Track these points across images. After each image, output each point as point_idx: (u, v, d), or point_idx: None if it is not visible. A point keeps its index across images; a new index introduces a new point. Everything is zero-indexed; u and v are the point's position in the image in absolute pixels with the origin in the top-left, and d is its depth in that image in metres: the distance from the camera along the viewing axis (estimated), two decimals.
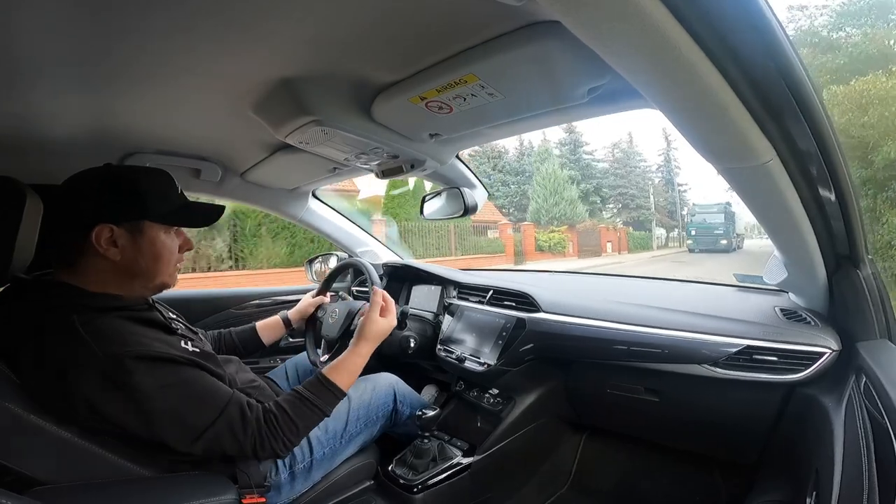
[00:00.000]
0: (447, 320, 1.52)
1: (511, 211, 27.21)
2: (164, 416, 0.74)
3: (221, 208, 0.95)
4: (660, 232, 31.42)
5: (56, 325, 0.73)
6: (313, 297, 1.48)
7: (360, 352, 1.04)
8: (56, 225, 0.80)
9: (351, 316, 1.41)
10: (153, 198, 0.85)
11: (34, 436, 0.71)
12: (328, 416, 0.93)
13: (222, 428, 0.79)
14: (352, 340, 1.07)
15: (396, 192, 11.32)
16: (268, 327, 1.38)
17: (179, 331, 0.88)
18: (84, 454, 0.73)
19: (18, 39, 0.70)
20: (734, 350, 0.97)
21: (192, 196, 1.21)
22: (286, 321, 1.41)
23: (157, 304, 0.94)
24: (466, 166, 1.50)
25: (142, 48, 0.75)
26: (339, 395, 0.95)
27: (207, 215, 0.93)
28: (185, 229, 0.94)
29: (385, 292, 1.17)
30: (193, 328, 1.05)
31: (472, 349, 1.37)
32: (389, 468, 1.25)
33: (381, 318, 1.10)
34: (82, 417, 0.72)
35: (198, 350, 0.85)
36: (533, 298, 1.33)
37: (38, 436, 0.71)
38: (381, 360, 1.59)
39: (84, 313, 0.74)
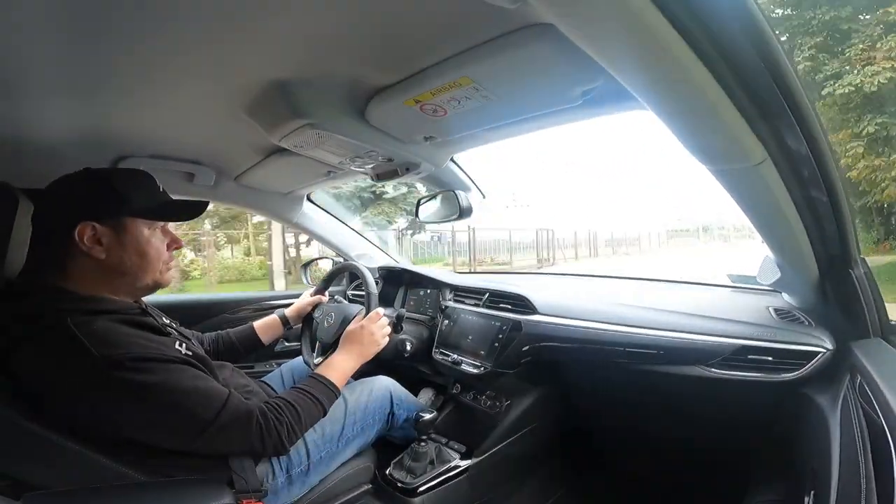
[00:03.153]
0: (443, 323, 1.52)
1: None
2: (165, 413, 0.74)
3: (205, 204, 0.96)
4: None
5: (50, 327, 0.72)
6: (311, 296, 1.48)
7: (350, 350, 1.09)
8: (42, 229, 0.80)
9: (346, 322, 1.40)
10: (133, 194, 0.85)
11: (29, 440, 0.70)
12: (326, 411, 0.95)
13: (227, 421, 0.78)
14: (341, 341, 1.10)
15: None
16: (265, 326, 1.38)
17: (173, 335, 0.88)
18: (79, 459, 0.72)
19: (10, 43, 0.70)
20: (729, 350, 0.97)
21: None
22: (283, 319, 1.41)
23: (149, 310, 0.94)
24: (461, 169, 1.50)
25: (134, 52, 0.75)
26: (335, 391, 0.98)
27: (190, 210, 0.94)
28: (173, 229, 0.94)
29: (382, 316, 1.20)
30: (186, 333, 1.04)
31: (468, 352, 1.37)
32: (387, 471, 1.25)
33: (376, 334, 1.15)
34: (78, 421, 0.72)
35: (191, 353, 0.85)
36: (529, 301, 1.33)
37: (33, 440, 0.70)
38: (378, 364, 1.59)
39: (77, 316, 0.73)
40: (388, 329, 1.20)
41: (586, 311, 1.23)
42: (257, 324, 1.37)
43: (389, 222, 12.19)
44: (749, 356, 0.95)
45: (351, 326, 1.14)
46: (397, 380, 1.39)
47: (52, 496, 0.69)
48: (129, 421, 0.73)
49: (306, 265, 2.05)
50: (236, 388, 1.02)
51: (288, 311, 1.43)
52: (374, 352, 1.14)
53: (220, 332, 1.32)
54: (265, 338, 1.36)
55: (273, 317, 1.40)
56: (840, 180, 0.70)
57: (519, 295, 1.36)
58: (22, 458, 0.70)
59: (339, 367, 1.05)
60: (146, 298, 0.95)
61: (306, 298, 1.47)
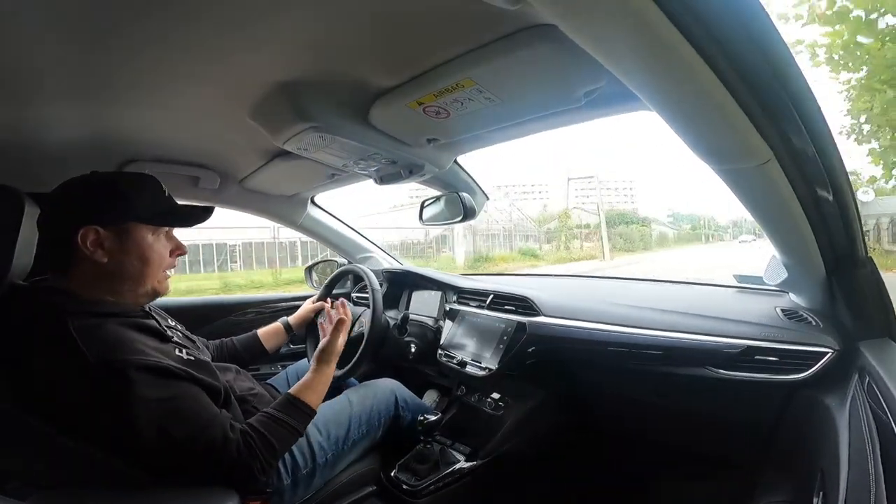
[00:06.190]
0: (448, 325, 1.52)
1: None
2: (145, 426, 0.72)
3: (210, 209, 0.95)
4: None
5: (50, 329, 0.72)
6: (314, 303, 1.48)
7: (325, 371, 1.05)
8: (45, 231, 0.81)
9: (351, 324, 1.40)
10: (138, 199, 0.85)
11: (32, 441, 0.70)
12: (302, 435, 0.93)
13: (201, 447, 0.76)
14: (313, 360, 1.07)
15: None
16: (269, 334, 1.38)
17: (175, 339, 0.88)
18: (83, 460, 0.72)
19: (16, 48, 0.70)
20: (735, 351, 0.97)
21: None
22: (287, 327, 1.41)
23: (153, 312, 0.94)
24: (465, 171, 1.51)
25: (140, 56, 0.75)
26: (310, 413, 0.95)
27: (195, 216, 0.93)
28: (177, 235, 0.94)
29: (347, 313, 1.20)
30: (191, 337, 1.05)
31: (473, 354, 1.37)
32: (392, 473, 1.25)
33: (341, 340, 1.13)
34: (78, 422, 0.72)
35: (192, 359, 0.85)
36: (533, 302, 1.33)
37: (36, 441, 0.70)
38: (383, 366, 1.59)
39: (79, 318, 0.73)
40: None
41: (591, 313, 1.22)
42: (261, 331, 1.37)
43: None
44: (756, 357, 0.95)
45: (322, 343, 1.10)
46: (402, 382, 1.39)
47: (55, 496, 0.69)
48: (113, 426, 0.72)
49: (310, 268, 2.06)
50: (241, 391, 1.03)
51: (291, 319, 1.43)
52: (339, 352, 1.12)
53: (223, 339, 1.32)
54: (269, 345, 1.36)
55: (277, 325, 1.40)
56: (847, 179, 0.69)
57: (523, 297, 1.36)
58: (25, 458, 0.70)
59: (316, 388, 1.01)
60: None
61: (308, 306, 1.47)
